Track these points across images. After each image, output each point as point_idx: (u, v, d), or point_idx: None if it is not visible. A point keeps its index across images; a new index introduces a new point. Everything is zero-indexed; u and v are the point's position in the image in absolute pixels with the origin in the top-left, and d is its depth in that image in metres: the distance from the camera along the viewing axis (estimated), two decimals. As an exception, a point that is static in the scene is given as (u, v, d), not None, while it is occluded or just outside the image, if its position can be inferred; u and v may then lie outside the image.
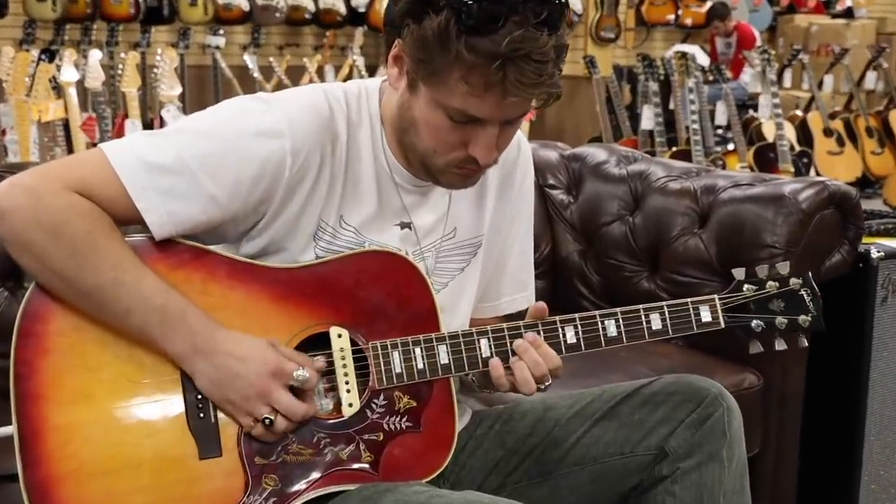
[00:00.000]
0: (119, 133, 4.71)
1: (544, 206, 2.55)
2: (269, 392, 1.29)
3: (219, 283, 1.34)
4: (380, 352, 1.37)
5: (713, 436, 1.45)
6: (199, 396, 1.31)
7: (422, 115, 1.33)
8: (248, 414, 1.30)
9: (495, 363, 1.39)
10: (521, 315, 1.48)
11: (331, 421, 1.36)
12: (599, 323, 1.42)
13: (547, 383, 1.40)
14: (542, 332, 1.40)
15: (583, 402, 1.54)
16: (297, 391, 1.31)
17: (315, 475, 1.33)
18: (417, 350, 1.37)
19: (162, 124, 4.65)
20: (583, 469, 1.51)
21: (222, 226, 1.36)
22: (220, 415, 1.31)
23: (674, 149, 6.05)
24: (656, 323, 1.43)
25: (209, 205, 1.32)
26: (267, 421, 1.29)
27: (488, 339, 1.40)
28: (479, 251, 1.52)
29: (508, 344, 1.40)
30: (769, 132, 6.14)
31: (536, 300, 1.52)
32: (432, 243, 1.47)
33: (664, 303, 1.44)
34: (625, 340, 1.43)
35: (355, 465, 1.35)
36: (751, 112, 6.69)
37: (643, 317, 1.43)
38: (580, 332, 1.42)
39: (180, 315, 1.29)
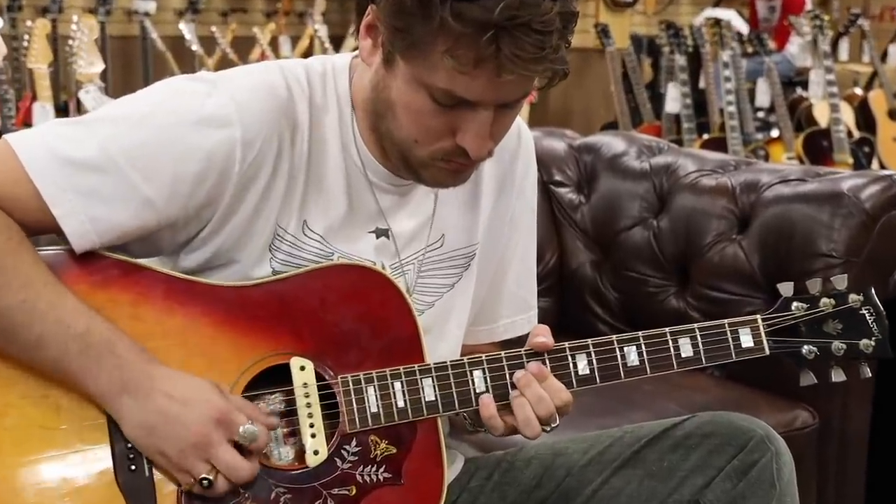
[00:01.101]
0: (25, 119, 4.70)
1: (550, 208, 2.56)
2: (209, 444, 1.29)
3: (153, 306, 1.34)
4: (351, 387, 1.37)
5: (759, 487, 1.46)
6: (130, 446, 1.30)
7: (400, 96, 1.33)
8: (183, 470, 1.30)
9: (486, 400, 1.39)
10: (521, 341, 1.49)
11: (293, 472, 1.36)
12: (618, 350, 1.43)
13: (553, 424, 1.41)
14: (548, 362, 1.41)
15: (600, 447, 1.55)
16: (242, 448, 1.31)
17: (273, 539, 1.33)
18: (397, 384, 1.38)
19: (80, 109, 4.65)
20: (600, 529, 1.52)
21: (157, 234, 1.36)
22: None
23: (705, 136, 6.06)
24: (687, 349, 1.44)
25: (142, 209, 1.32)
26: (205, 482, 1.29)
27: (483, 370, 1.40)
28: (472, 263, 1.53)
29: (508, 376, 1.40)
30: (822, 115, 6.17)
31: (540, 322, 1.53)
32: (414, 254, 1.48)
33: (696, 325, 1.45)
34: (649, 371, 1.44)
35: (322, 527, 1.35)
36: (799, 91, 6.72)
37: (671, 342, 1.44)
38: (594, 362, 1.42)
39: (106, 345, 1.29)
